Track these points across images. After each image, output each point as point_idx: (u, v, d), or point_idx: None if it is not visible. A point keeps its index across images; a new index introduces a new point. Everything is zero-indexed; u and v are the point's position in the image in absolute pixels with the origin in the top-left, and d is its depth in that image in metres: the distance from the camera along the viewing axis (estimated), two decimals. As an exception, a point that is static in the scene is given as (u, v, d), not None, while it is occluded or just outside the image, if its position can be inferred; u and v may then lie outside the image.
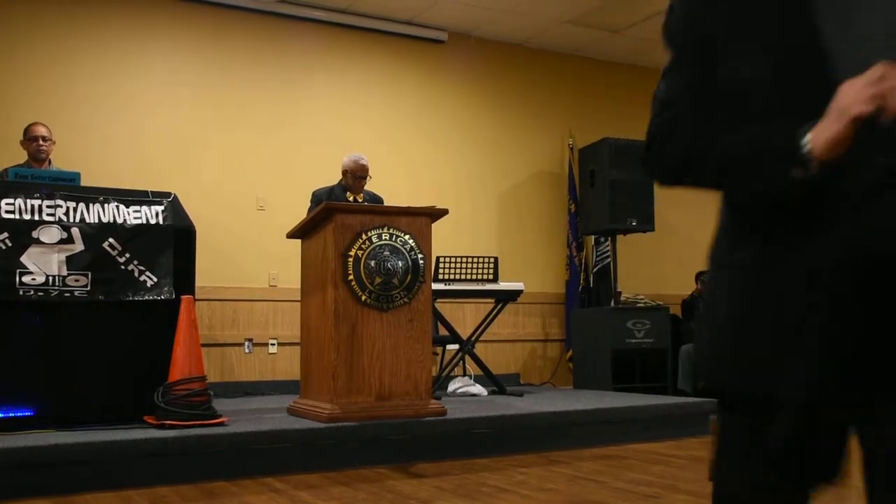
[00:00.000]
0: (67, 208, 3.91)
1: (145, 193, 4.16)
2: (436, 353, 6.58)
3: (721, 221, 1.23)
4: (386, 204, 5.29)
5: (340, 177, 5.44)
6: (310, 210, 5.07)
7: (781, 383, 1.09)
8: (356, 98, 7.16)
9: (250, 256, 6.55)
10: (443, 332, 6.23)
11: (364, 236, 4.19)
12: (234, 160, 6.62)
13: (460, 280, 5.92)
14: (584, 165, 7.63)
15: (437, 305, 5.74)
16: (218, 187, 6.49)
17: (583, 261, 7.80)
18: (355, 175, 5.32)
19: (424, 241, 4.35)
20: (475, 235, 7.46)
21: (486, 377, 6.16)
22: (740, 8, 1.15)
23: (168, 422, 3.74)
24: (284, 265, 6.40)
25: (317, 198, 5.30)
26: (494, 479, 3.62)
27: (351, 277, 4.13)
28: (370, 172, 5.38)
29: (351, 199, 5.34)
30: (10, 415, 3.77)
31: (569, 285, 7.81)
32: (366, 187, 5.43)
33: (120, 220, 4.01)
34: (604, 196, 7.24)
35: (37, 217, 3.83)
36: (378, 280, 4.18)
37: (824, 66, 1.07)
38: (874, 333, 1.05)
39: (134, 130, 6.30)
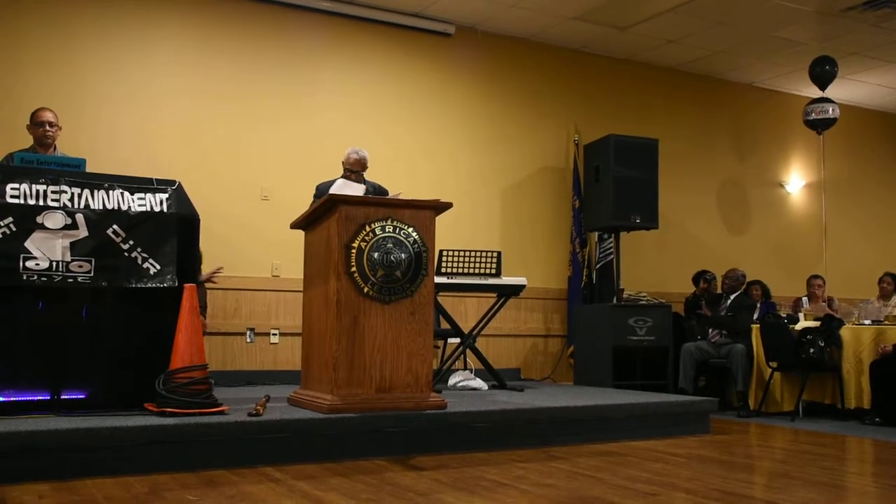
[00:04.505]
0: (72, 194, 3.90)
1: (150, 181, 4.15)
2: (437, 347, 6.59)
3: None
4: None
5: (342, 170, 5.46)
6: (313, 203, 5.07)
7: None
8: (361, 89, 7.15)
9: (253, 246, 6.56)
10: (444, 325, 6.24)
11: (367, 228, 4.19)
12: (239, 150, 6.63)
13: (463, 274, 5.92)
14: (589, 161, 7.62)
15: (439, 299, 5.74)
16: (222, 177, 6.50)
17: (586, 257, 7.80)
18: (349, 168, 5.36)
19: (428, 234, 4.34)
20: (478, 229, 7.46)
21: (487, 371, 6.17)
22: None
23: (168, 409, 3.75)
24: (287, 255, 6.41)
25: (320, 191, 5.33)
26: (493, 474, 3.62)
27: (354, 269, 4.13)
28: (367, 164, 5.41)
29: (353, 192, 5.36)
30: (11, 399, 3.78)
31: (571, 281, 7.81)
32: (372, 179, 5.45)
33: (124, 207, 4.01)
34: (608, 192, 7.23)
35: (41, 202, 3.83)
36: (381, 272, 4.18)
37: None
38: None
39: (140, 119, 6.30)
